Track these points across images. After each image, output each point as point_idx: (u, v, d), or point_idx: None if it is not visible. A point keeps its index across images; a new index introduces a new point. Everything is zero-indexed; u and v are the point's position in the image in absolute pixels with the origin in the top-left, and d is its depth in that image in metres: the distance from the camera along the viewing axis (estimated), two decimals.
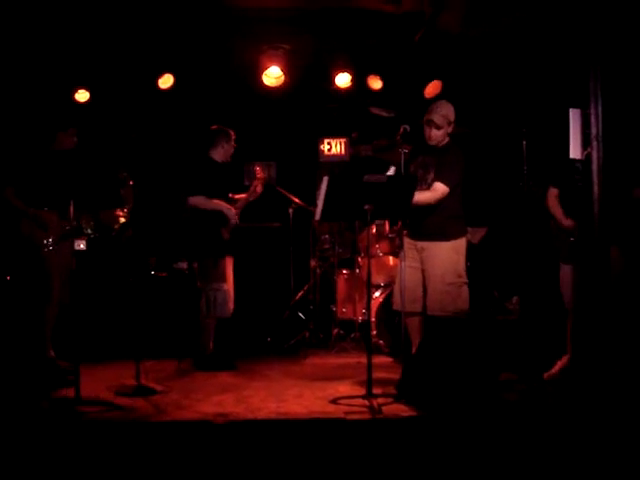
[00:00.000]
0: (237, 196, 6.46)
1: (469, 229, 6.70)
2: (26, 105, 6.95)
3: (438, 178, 5.37)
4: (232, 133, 6.39)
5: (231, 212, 6.22)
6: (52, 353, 5.94)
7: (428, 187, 5.40)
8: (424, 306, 5.50)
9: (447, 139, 5.54)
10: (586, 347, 5.32)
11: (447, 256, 5.46)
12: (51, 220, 5.73)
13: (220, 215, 6.17)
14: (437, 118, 5.44)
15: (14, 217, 5.87)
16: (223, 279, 6.16)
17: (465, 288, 5.50)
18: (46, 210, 5.76)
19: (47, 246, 5.61)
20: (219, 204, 6.20)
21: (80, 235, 5.98)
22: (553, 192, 5.64)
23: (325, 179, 4.76)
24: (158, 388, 5.24)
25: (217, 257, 6.17)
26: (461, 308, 5.43)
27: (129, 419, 4.52)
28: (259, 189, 6.45)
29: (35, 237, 5.75)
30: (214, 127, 6.41)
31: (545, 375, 5.53)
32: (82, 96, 7.44)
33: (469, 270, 6.19)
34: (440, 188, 5.36)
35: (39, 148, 5.96)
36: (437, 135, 5.47)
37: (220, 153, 6.34)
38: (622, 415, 4.37)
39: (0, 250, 6.38)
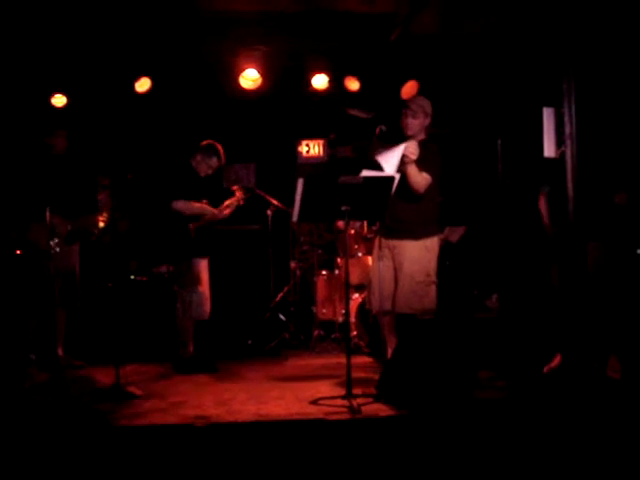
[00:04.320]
0: (226, 206, 6.46)
1: (448, 228, 6.76)
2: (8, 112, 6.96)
3: (422, 170, 5.38)
4: (216, 149, 6.37)
5: (214, 214, 6.24)
6: (61, 352, 6.17)
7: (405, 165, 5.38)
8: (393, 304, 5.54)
9: (424, 135, 5.56)
10: (566, 343, 5.39)
11: (418, 255, 5.48)
12: (55, 224, 5.76)
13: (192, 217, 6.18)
14: (413, 105, 5.50)
15: (21, 224, 5.90)
16: (197, 282, 6.16)
17: (433, 287, 5.51)
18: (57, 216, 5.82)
19: (54, 248, 5.68)
20: (201, 207, 6.22)
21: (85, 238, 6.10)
22: (544, 191, 5.71)
23: (300, 181, 4.78)
24: (138, 392, 5.22)
25: (184, 260, 6.18)
26: (428, 307, 5.45)
27: (109, 424, 4.52)
28: (239, 196, 6.49)
29: (41, 243, 5.81)
30: (204, 142, 6.41)
31: (545, 368, 5.58)
32: (59, 101, 7.42)
33: (448, 269, 6.23)
34: (427, 177, 5.39)
35: (39, 153, 6.01)
36: (413, 124, 5.49)
37: (200, 167, 6.36)
38: (605, 410, 4.42)
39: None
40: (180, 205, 6.16)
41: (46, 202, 5.73)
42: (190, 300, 6.12)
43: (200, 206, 6.22)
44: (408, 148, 5.17)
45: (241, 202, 6.55)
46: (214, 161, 6.37)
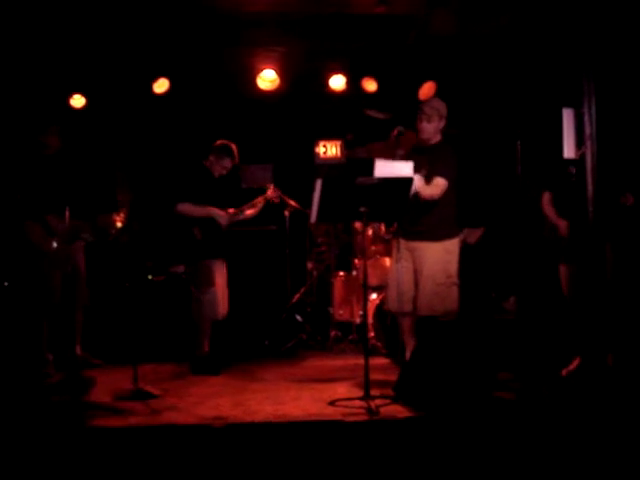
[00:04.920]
0: (247, 212, 6.45)
1: (466, 230, 6.73)
2: (19, 112, 6.99)
3: (436, 174, 5.37)
4: (228, 150, 6.34)
5: (222, 217, 6.21)
6: (79, 351, 6.17)
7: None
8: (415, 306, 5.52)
9: (439, 137, 5.55)
10: (585, 344, 5.36)
11: (438, 257, 5.48)
12: (57, 224, 5.79)
13: (200, 219, 6.18)
14: (427, 109, 5.48)
15: (18, 223, 5.94)
16: (209, 282, 6.13)
17: (455, 289, 5.51)
18: (51, 215, 5.83)
19: (52, 247, 5.75)
20: (208, 210, 6.18)
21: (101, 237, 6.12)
22: (547, 196, 5.70)
23: (318, 182, 4.77)
24: (156, 392, 5.23)
25: (191, 262, 6.19)
26: (450, 309, 5.44)
27: (127, 423, 4.53)
28: (271, 195, 6.50)
29: (41, 242, 5.85)
30: (217, 143, 6.39)
31: (563, 371, 5.55)
32: (78, 101, 7.45)
33: (466, 271, 6.21)
34: (441, 182, 5.37)
35: (29, 153, 6.03)
36: (428, 128, 5.48)
37: (214, 168, 6.34)
38: (622, 413, 4.38)
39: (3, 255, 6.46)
40: (184, 208, 6.15)
41: (40, 201, 5.80)
42: (202, 300, 6.12)
43: (206, 209, 6.17)
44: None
45: (276, 200, 6.54)
46: (227, 162, 6.34)
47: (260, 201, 6.49)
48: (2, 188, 5.99)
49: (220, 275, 6.27)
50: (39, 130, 6.06)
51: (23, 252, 5.98)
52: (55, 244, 5.81)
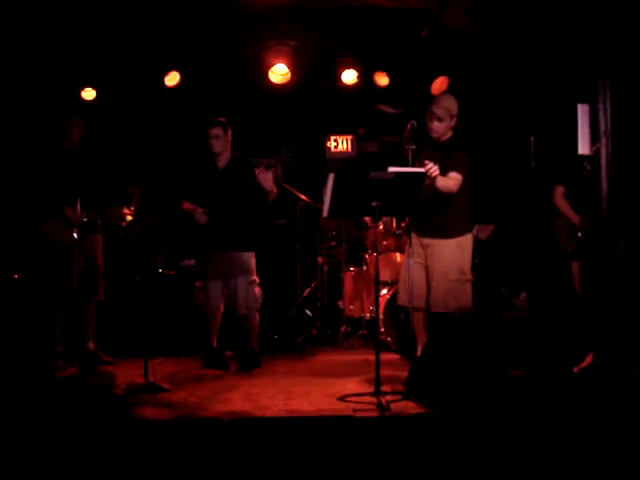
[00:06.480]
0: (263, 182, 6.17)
1: (477, 226, 6.71)
2: (33, 105, 7.00)
3: (450, 168, 5.34)
4: (208, 122, 6.18)
5: (198, 213, 6.03)
6: (92, 345, 6.17)
7: (432, 181, 5.33)
8: (428, 302, 5.50)
9: (450, 133, 5.53)
10: (599, 343, 5.33)
11: (451, 253, 5.46)
12: (73, 215, 5.80)
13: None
14: (438, 110, 5.44)
15: (36, 216, 5.96)
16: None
17: (468, 285, 5.50)
18: (68, 207, 5.84)
19: (73, 238, 5.76)
20: (186, 207, 6.12)
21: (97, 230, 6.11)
22: (560, 190, 5.64)
23: (331, 176, 4.74)
24: (166, 386, 5.23)
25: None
26: (464, 305, 5.43)
27: (137, 417, 4.53)
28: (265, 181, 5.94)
29: (59, 235, 5.88)
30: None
31: (575, 368, 5.52)
32: (89, 94, 7.45)
33: (477, 267, 6.20)
34: (457, 176, 5.35)
35: (50, 146, 6.02)
36: (439, 127, 5.46)
37: (213, 150, 6.18)
38: (634, 412, 4.36)
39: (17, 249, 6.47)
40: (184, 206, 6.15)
41: (58, 194, 5.79)
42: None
43: (184, 207, 6.10)
44: (429, 170, 5.10)
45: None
46: (210, 131, 6.10)
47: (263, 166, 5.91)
48: (19, 181, 5.99)
49: (224, 267, 6.08)
50: (61, 121, 6.05)
51: (41, 246, 5.98)
52: (75, 235, 5.80)
